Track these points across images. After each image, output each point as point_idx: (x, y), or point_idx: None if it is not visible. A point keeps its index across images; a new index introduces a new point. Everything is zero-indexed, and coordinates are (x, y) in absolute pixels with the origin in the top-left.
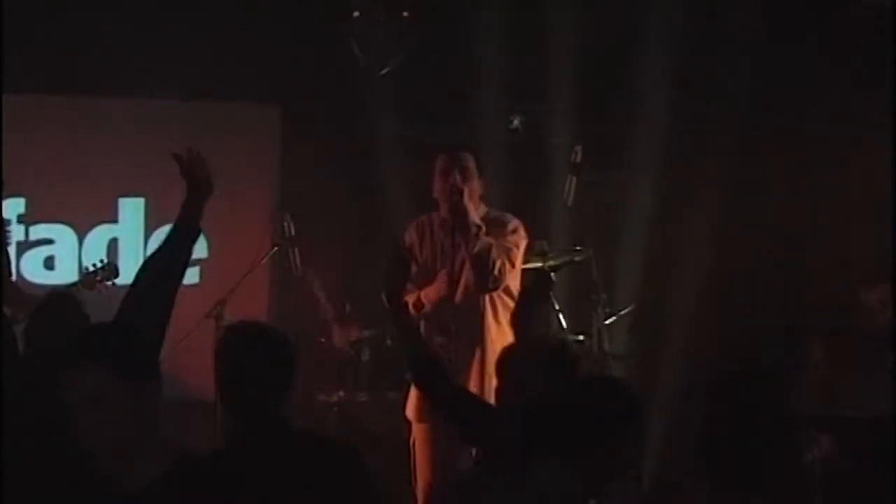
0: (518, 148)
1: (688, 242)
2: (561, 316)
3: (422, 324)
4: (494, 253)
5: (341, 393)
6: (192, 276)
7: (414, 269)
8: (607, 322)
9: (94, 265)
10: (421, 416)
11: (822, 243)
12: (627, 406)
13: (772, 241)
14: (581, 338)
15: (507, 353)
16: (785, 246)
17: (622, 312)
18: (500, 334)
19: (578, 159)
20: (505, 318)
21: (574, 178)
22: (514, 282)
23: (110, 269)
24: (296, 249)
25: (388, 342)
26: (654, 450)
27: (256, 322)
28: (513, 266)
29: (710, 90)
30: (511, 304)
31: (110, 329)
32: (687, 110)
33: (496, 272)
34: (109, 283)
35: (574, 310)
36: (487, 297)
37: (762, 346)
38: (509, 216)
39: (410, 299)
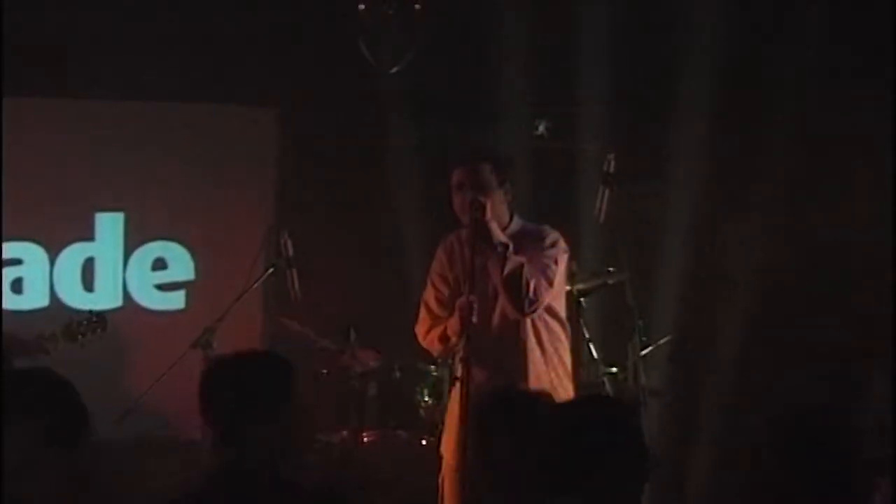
0: (544, 156)
1: (735, 262)
2: (591, 346)
3: (456, 359)
4: (528, 273)
5: (344, 432)
6: (177, 300)
7: (446, 292)
8: (644, 353)
9: (85, 315)
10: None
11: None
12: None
13: (830, 260)
14: (614, 370)
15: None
16: (846, 265)
17: (661, 342)
18: (544, 361)
19: (612, 169)
20: (549, 341)
21: (606, 191)
22: (557, 301)
23: (100, 321)
24: (294, 271)
25: (398, 374)
26: (696, 492)
27: (248, 349)
28: (550, 284)
29: (761, 92)
30: (555, 325)
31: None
32: (734, 114)
33: (531, 294)
34: (96, 336)
35: (607, 339)
36: (529, 321)
37: (818, 380)
38: (547, 228)
39: (437, 333)
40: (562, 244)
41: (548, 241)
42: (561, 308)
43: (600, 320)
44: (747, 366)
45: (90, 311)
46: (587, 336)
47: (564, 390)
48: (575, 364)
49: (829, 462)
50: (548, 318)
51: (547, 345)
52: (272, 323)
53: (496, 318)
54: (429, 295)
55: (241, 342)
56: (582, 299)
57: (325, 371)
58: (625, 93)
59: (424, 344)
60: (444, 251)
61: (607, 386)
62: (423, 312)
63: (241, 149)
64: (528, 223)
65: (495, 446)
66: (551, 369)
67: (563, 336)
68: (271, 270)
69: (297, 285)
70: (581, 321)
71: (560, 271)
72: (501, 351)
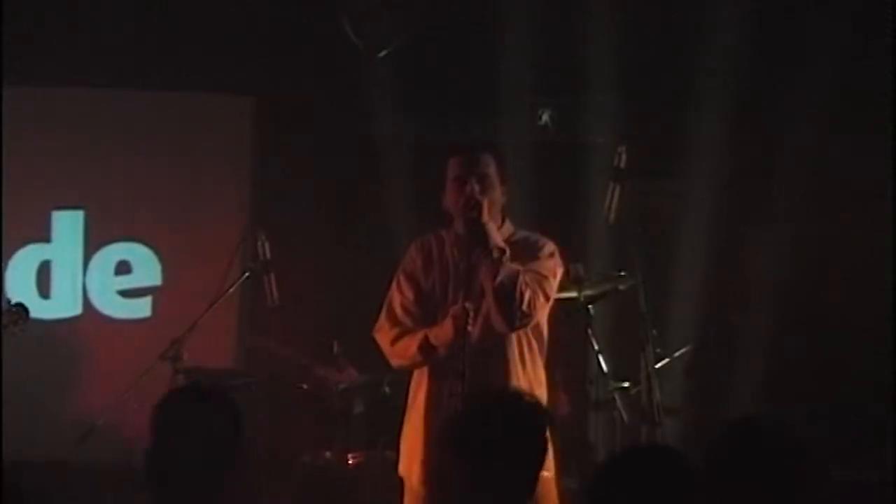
0: (548, 149)
1: (759, 267)
2: (601, 358)
3: (433, 370)
4: (523, 283)
5: (328, 454)
6: (142, 308)
7: (411, 297)
8: (659, 365)
9: (3, 306)
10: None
11: None
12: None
13: (863, 262)
14: (626, 385)
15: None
16: (882, 270)
17: (677, 354)
18: (526, 382)
19: (623, 164)
20: (531, 361)
21: (617, 187)
22: (543, 319)
23: (20, 312)
24: (272, 275)
25: (387, 389)
26: None
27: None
28: (547, 299)
29: (791, 81)
30: (536, 344)
31: None
32: (758, 104)
33: (525, 306)
34: (17, 328)
35: (617, 350)
36: (514, 337)
37: (853, 392)
38: (542, 238)
39: (415, 341)
40: (557, 257)
41: (545, 252)
42: (545, 325)
43: (610, 330)
44: (772, 380)
45: (9, 301)
46: (596, 347)
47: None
48: (580, 374)
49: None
50: (531, 334)
51: (528, 363)
52: (248, 334)
53: (477, 330)
54: (393, 299)
55: (213, 355)
56: (590, 306)
57: (305, 386)
58: (638, 79)
59: (391, 352)
60: (418, 251)
61: (618, 401)
62: (383, 318)
63: (215, 141)
64: (520, 230)
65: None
66: (527, 385)
67: (539, 355)
68: (247, 275)
69: (275, 292)
70: (589, 331)
71: (555, 285)
72: (482, 367)
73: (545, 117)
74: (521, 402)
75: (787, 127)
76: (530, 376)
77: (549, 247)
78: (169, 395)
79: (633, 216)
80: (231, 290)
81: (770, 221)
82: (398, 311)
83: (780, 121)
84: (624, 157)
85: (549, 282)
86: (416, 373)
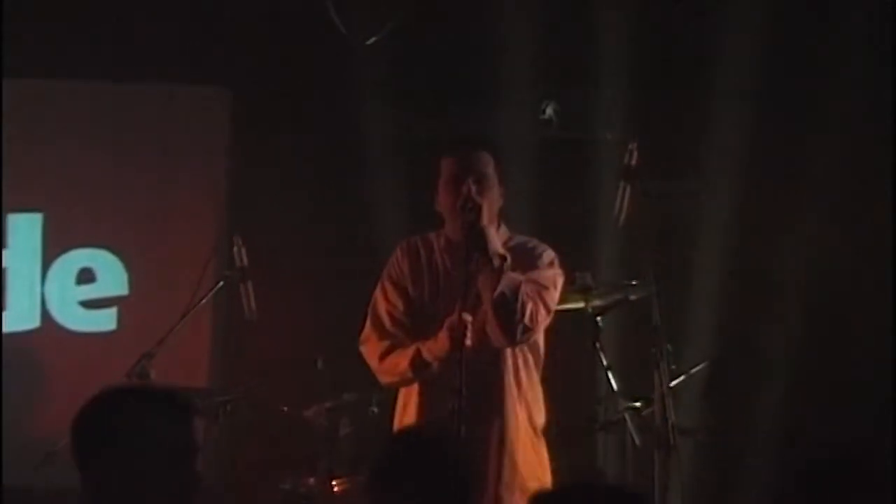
0: (552, 146)
1: (786, 275)
2: (610, 375)
3: (423, 387)
4: (524, 294)
5: (311, 479)
6: (107, 320)
7: (401, 307)
8: (674, 383)
9: None
10: None
11: None
12: None
13: None
14: (637, 405)
15: None
16: None
17: (694, 370)
18: (521, 402)
19: (634, 162)
20: (527, 379)
21: (628, 188)
22: (540, 333)
23: None
24: (249, 284)
25: (375, 409)
26: None
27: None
28: (548, 312)
29: (818, 71)
30: (532, 358)
31: None
32: (784, 95)
33: (527, 320)
34: None
35: (629, 366)
36: (508, 352)
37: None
38: (540, 245)
39: (406, 356)
40: (557, 266)
41: (544, 260)
42: (541, 339)
43: (621, 344)
44: (802, 400)
45: None
46: (605, 363)
47: (530, 433)
48: (587, 393)
49: None
50: (527, 348)
51: (524, 380)
52: (223, 349)
53: (473, 345)
54: (378, 307)
55: (184, 372)
56: (598, 318)
57: (286, 407)
58: (651, 69)
59: (379, 367)
60: (405, 255)
61: (629, 422)
62: (368, 328)
63: (188, 137)
64: (516, 235)
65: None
66: (523, 407)
67: (535, 370)
68: (221, 284)
69: (253, 302)
70: (597, 345)
71: (557, 297)
72: (477, 384)
73: (549, 111)
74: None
75: (819, 122)
76: (527, 395)
77: (549, 254)
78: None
79: (646, 219)
80: (204, 300)
81: (798, 225)
82: (386, 321)
83: (811, 115)
84: (635, 154)
85: (550, 293)
86: (402, 391)
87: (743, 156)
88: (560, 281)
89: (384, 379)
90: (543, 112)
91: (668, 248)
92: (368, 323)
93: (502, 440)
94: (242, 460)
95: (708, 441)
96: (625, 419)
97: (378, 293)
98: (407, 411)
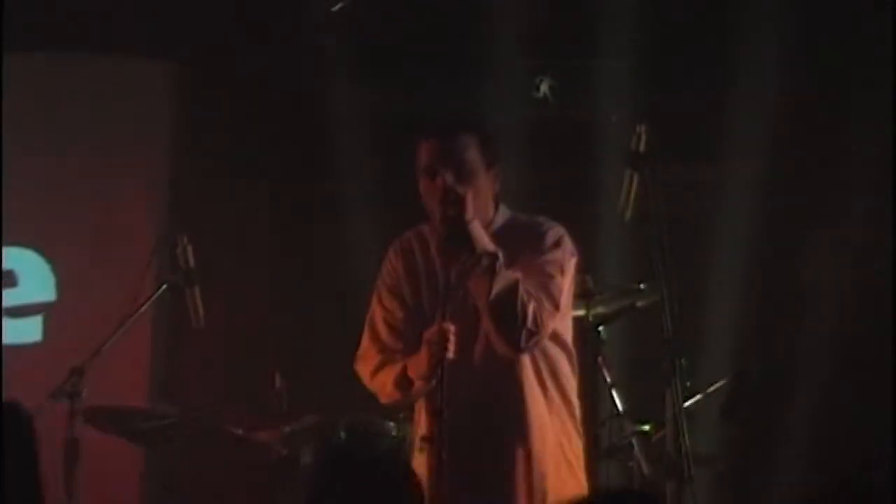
0: (547, 127)
1: (816, 279)
2: (615, 393)
3: (420, 412)
4: (524, 293)
5: None
6: (31, 329)
7: (400, 315)
8: (689, 403)
9: None
10: None
11: None
12: None
13: None
14: (646, 428)
15: None
16: None
17: (712, 389)
18: (547, 405)
19: (642, 147)
20: (551, 377)
21: (635, 176)
22: (562, 322)
23: None
24: (196, 290)
25: (342, 434)
26: None
27: None
28: (556, 306)
29: (851, 46)
30: (558, 354)
31: None
32: (812, 72)
33: (531, 323)
34: None
35: (636, 383)
36: (527, 357)
37: None
38: (545, 222)
39: (391, 374)
40: (567, 244)
41: (549, 241)
42: (566, 330)
43: (627, 358)
44: (832, 422)
45: None
46: (609, 380)
47: (571, 445)
48: (588, 415)
49: None
50: (549, 344)
51: (549, 382)
52: (165, 363)
53: (479, 353)
54: (375, 317)
55: (121, 389)
56: (601, 328)
57: (239, 431)
58: (660, 40)
59: (371, 386)
60: (398, 256)
61: (636, 449)
62: (366, 341)
63: (125, 120)
64: (518, 214)
65: None
66: (555, 416)
67: (567, 368)
68: (164, 289)
69: (200, 310)
70: (600, 359)
71: (567, 283)
72: (488, 397)
73: (544, 87)
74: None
75: (853, 103)
76: (554, 401)
77: (555, 232)
78: None
79: (656, 213)
80: (144, 307)
81: (830, 222)
82: (383, 331)
83: (843, 96)
84: (644, 137)
85: (555, 282)
86: (416, 411)
87: (769, 140)
88: (570, 263)
89: (381, 399)
90: (537, 88)
91: (683, 246)
92: (365, 336)
93: (528, 465)
94: (187, 492)
95: (728, 471)
96: (631, 445)
97: (374, 301)
98: (419, 432)
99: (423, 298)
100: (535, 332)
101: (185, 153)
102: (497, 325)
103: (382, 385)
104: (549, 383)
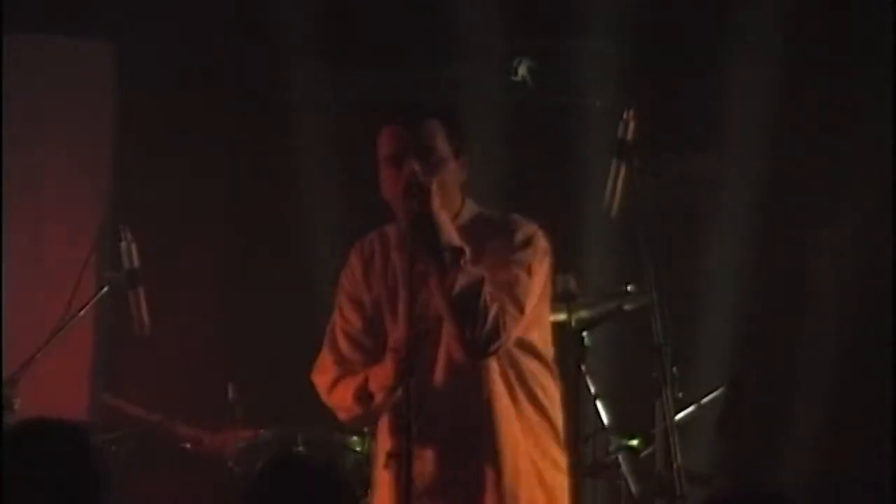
0: (526, 113)
1: (819, 279)
2: (599, 405)
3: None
4: (487, 292)
5: None
6: None
7: (359, 325)
8: (680, 416)
9: None
10: None
11: None
12: None
13: None
14: (634, 443)
15: None
16: None
17: (706, 399)
18: (523, 425)
19: (630, 135)
20: (523, 391)
21: (622, 167)
22: (535, 331)
23: None
24: (140, 291)
25: (301, 449)
26: None
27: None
28: (520, 309)
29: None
30: (534, 366)
31: None
32: (816, 55)
33: (490, 325)
34: None
35: (624, 395)
36: (495, 365)
37: None
38: (516, 218)
39: (348, 387)
40: (540, 242)
41: (518, 239)
42: (542, 340)
43: (613, 366)
44: (836, 436)
45: None
46: (593, 391)
47: (547, 464)
48: (570, 429)
49: None
50: (521, 355)
51: (521, 395)
52: (106, 373)
53: (441, 361)
54: (335, 327)
55: (58, 401)
56: (584, 333)
57: (188, 445)
58: (650, 17)
59: (330, 402)
60: (359, 259)
61: (623, 466)
62: (325, 352)
63: (60, 102)
64: (485, 210)
65: None
66: (529, 432)
67: (547, 379)
68: (105, 290)
69: (145, 314)
70: (583, 367)
71: (537, 285)
72: (452, 411)
73: (522, 69)
74: None
75: (862, 89)
76: (529, 418)
77: (526, 229)
78: None
79: (645, 208)
80: (83, 311)
81: (836, 218)
82: (342, 343)
83: (850, 79)
84: (632, 124)
85: (521, 284)
86: (379, 426)
87: (770, 127)
88: (542, 263)
89: (340, 416)
90: (516, 71)
91: (674, 244)
92: (325, 347)
93: (498, 486)
94: None
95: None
96: (618, 462)
97: (336, 310)
98: (381, 455)
99: (384, 306)
100: (496, 337)
101: (129, 138)
102: (457, 327)
103: (341, 400)
104: (522, 396)
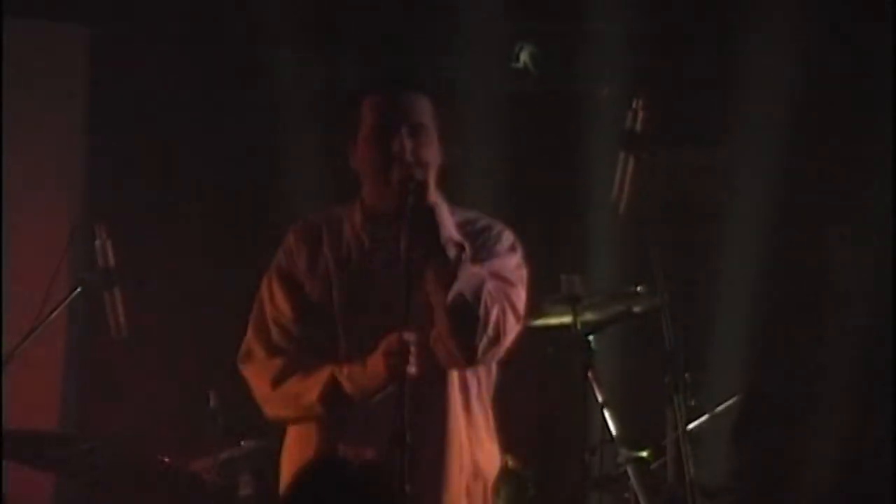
0: (527, 102)
1: (842, 279)
2: (607, 414)
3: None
4: (488, 295)
5: None
6: None
7: (290, 313)
8: (693, 425)
9: None
10: None
11: None
12: None
13: None
14: (644, 454)
15: None
16: None
17: (720, 408)
18: (467, 429)
19: (639, 125)
20: (480, 408)
21: (630, 160)
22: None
23: None
24: (117, 292)
25: None
26: None
27: None
28: (518, 318)
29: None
30: (485, 382)
31: None
32: (836, 40)
33: (491, 331)
34: None
35: (633, 403)
36: (455, 374)
37: None
38: (493, 222)
39: (315, 384)
40: (519, 250)
41: (504, 243)
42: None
43: (621, 372)
44: (858, 447)
45: None
46: (600, 398)
47: (471, 485)
48: (576, 440)
49: None
50: (481, 373)
51: (474, 403)
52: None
53: (415, 364)
54: (265, 310)
55: (30, 409)
56: (591, 338)
57: (167, 458)
58: (660, 3)
59: (271, 397)
60: (300, 241)
61: (632, 479)
62: (252, 339)
63: (31, 90)
64: (460, 208)
65: None
66: (475, 443)
67: (485, 398)
68: (79, 291)
69: (122, 316)
70: (590, 374)
71: (524, 297)
72: (421, 418)
73: (524, 56)
74: None
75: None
76: (479, 430)
77: (508, 235)
78: None
79: (656, 203)
80: (55, 313)
81: (858, 213)
82: (274, 332)
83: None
84: (641, 114)
85: (517, 292)
86: (293, 429)
87: (788, 118)
88: (525, 274)
89: (275, 411)
90: (517, 58)
91: (686, 241)
92: (250, 332)
93: (445, 489)
94: None
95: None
96: (626, 474)
97: (263, 291)
98: (301, 455)
99: (329, 294)
100: (495, 343)
101: (104, 129)
102: (455, 329)
103: (296, 396)
104: (476, 408)
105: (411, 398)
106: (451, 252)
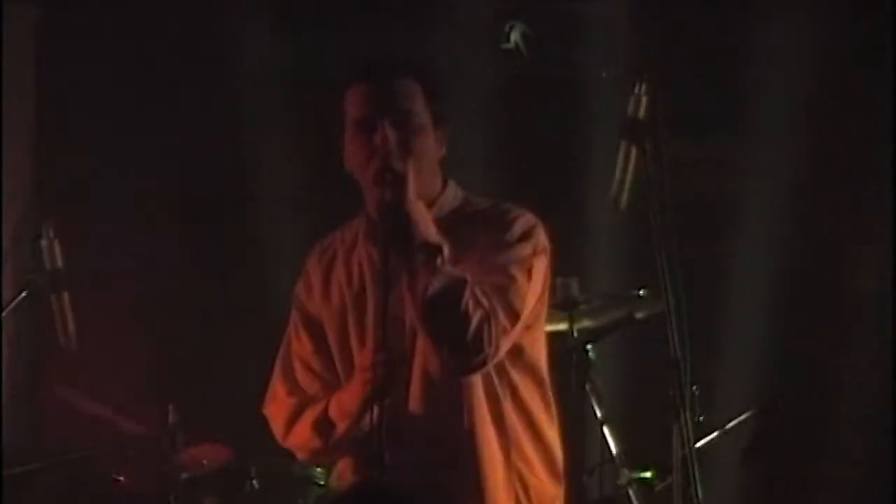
0: (519, 86)
1: (864, 284)
2: (606, 431)
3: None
4: (471, 298)
5: None
6: None
7: (310, 346)
8: (702, 443)
9: None
10: None
11: None
12: None
13: None
14: (648, 475)
15: None
16: None
17: (731, 424)
18: (503, 452)
19: (642, 112)
20: (516, 413)
21: (633, 150)
22: (530, 340)
23: None
24: (65, 297)
25: (255, 483)
26: None
27: None
28: (515, 316)
29: None
30: (527, 382)
31: None
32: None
33: (472, 336)
34: None
35: (635, 418)
36: (478, 383)
37: None
38: (511, 208)
39: (306, 419)
40: (539, 237)
41: (515, 232)
42: (537, 352)
43: (622, 385)
44: (880, 468)
45: None
46: (599, 413)
47: (523, 494)
48: (572, 459)
49: None
50: (512, 369)
51: (511, 420)
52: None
53: (416, 380)
54: (292, 348)
55: None
56: (589, 346)
57: (122, 478)
58: None
59: (288, 443)
60: (318, 266)
61: (635, 502)
62: (277, 381)
63: None
64: (474, 196)
65: None
66: (513, 470)
67: (539, 400)
68: (24, 295)
69: (71, 323)
70: (588, 386)
71: (536, 289)
72: (425, 441)
73: (515, 36)
74: None
75: None
76: (520, 448)
77: (524, 221)
78: None
79: (660, 199)
80: None
81: (880, 210)
82: (298, 369)
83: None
84: (644, 100)
85: (517, 286)
86: (340, 467)
87: (800, 106)
88: (540, 262)
89: (300, 454)
90: (508, 38)
91: (694, 241)
92: (275, 374)
93: None
94: None
95: None
96: (629, 497)
97: (289, 330)
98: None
99: (349, 321)
100: (480, 350)
101: (52, 118)
102: (432, 339)
103: (300, 434)
104: (512, 421)
105: (424, 416)
106: (424, 256)
